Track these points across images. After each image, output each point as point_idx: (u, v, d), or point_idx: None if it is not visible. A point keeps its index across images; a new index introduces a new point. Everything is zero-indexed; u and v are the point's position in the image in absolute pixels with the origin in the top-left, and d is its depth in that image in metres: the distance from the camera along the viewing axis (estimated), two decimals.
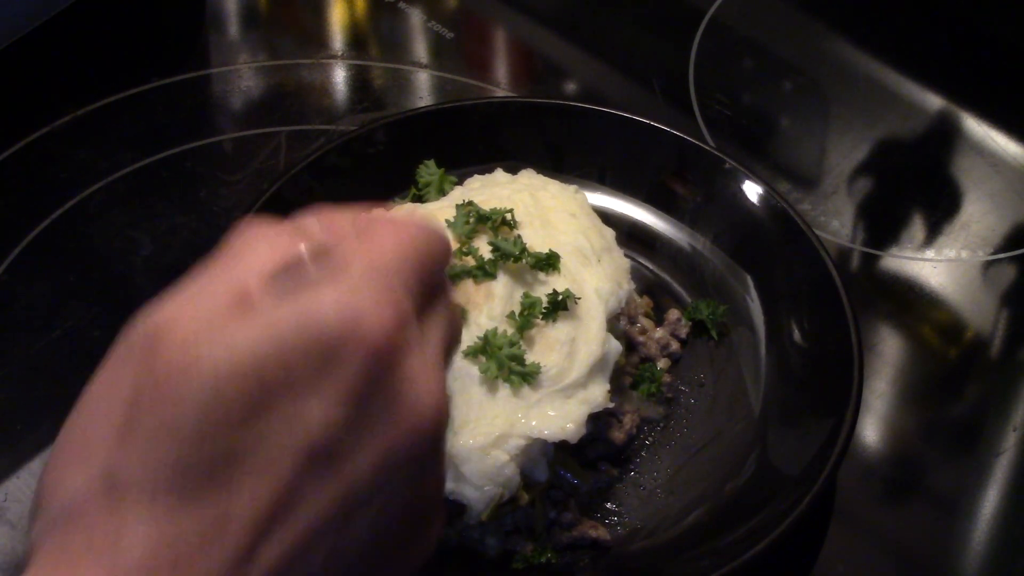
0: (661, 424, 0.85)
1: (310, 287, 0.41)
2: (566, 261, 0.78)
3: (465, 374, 0.73)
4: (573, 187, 0.87)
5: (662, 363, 0.87)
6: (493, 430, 0.71)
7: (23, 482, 0.81)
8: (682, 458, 0.83)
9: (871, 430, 0.88)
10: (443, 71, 1.13)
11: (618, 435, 0.82)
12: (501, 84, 1.12)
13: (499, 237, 0.78)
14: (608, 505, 0.80)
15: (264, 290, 0.41)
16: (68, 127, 1.04)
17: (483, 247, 0.77)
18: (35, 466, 0.82)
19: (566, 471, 0.80)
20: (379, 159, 0.94)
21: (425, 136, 0.95)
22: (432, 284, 0.46)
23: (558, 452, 0.77)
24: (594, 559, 0.77)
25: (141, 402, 0.39)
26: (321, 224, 0.45)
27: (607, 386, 0.76)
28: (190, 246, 0.95)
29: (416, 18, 1.18)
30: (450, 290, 0.49)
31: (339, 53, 1.14)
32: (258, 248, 0.43)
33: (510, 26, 1.20)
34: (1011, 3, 1.24)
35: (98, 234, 0.96)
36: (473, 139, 0.95)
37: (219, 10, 1.19)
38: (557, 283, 0.77)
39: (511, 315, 0.75)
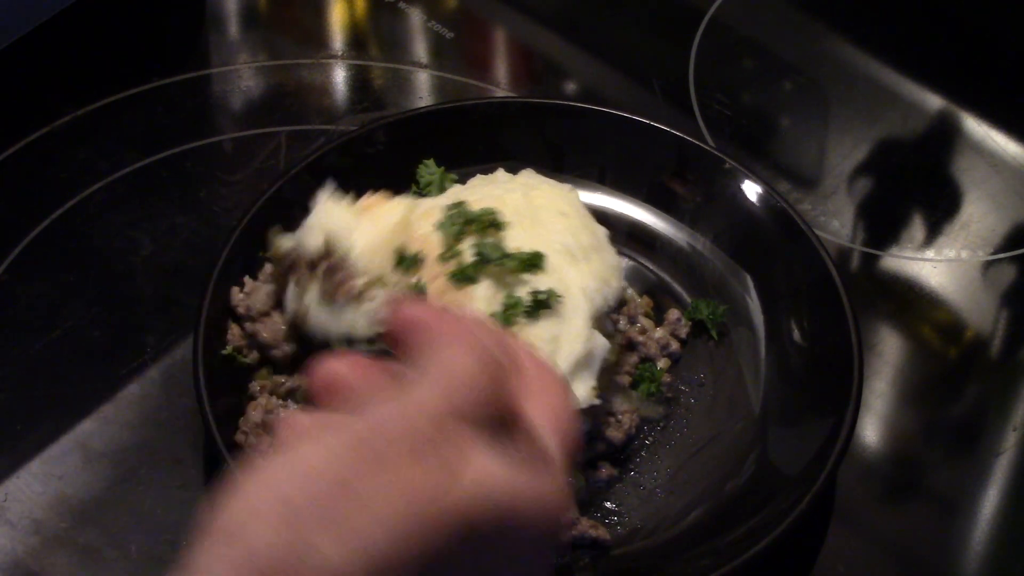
0: (661, 424, 0.85)
1: (523, 461, 0.42)
2: (553, 259, 0.78)
3: None
4: (567, 186, 0.87)
5: (662, 363, 0.87)
6: None
7: (23, 482, 0.81)
8: (682, 458, 0.83)
9: (871, 430, 0.88)
10: (443, 71, 1.13)
11: (617, 435, 0.82)
12: (501, 84, 1.12)
13: (484, 239, 0.78)
14: (608, 505, 0.80)
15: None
16: (68, 127, 1.04)
17: (467, 251, 0.77)
18: (35, 466, 0.82)
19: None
20: (380, 158, 0.94)
21: (425, 136, 0.95)
22: None
23: None
24: (594, 559, 0.77)
25: None
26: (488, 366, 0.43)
27: (592, 383, 0.76)
28: (190, 246, 0.95)
29: (416, 18, 1.18)
30: None
31: (339, 53, 1.14)
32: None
33: (510, 26, 1.19)
34: (1011, 3, 1.24)
35: (98, 234, 0.96)
36: (473, 139, 0.95)
37: (219, 10, 1.19)
38: (541, 282, 0.77)
39: (495, 314, 0.75)
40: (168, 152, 1.03)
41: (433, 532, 0.37)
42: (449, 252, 0.77)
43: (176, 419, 0.85)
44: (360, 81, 1.12)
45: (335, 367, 0.43)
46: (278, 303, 0.83)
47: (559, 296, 0.76)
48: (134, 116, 1.06)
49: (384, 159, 0.94)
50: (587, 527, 0.78)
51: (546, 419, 0.45)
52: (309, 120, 1.07)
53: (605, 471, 0.82)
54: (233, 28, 1.18)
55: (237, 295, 0.85)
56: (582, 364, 0.76)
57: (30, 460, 0.82)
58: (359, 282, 0.76)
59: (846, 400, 0.78)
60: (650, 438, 0.84)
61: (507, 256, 0.77)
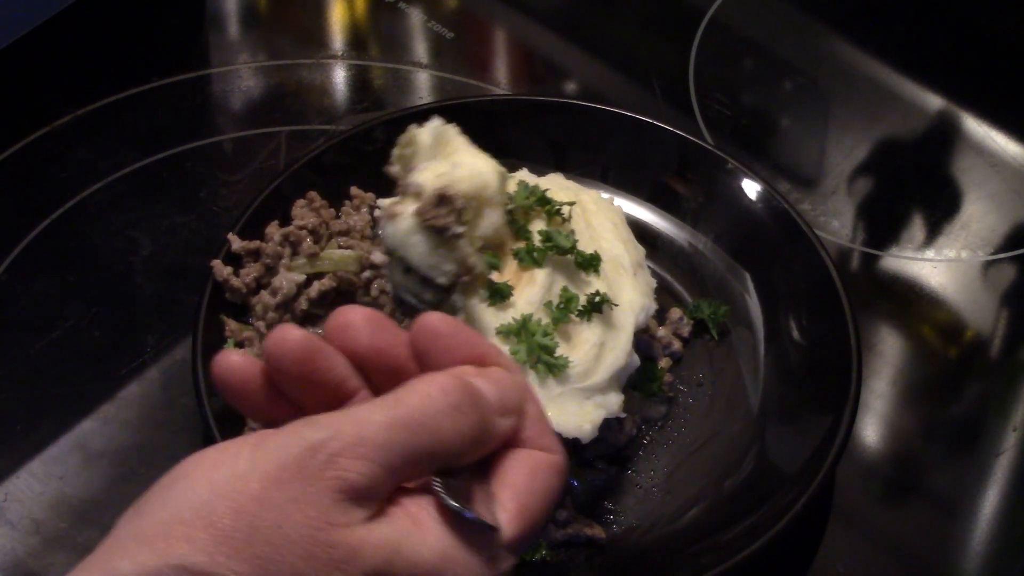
0: (659, 423, 0.85)
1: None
2: (605, 267, 0.78)
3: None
4: (610, 197, 0.87)
5: (663, 362, 0.87)
6: None
7: (23, 482, 0.81)
8: (679, 457, 0.83)
9: (871, 430, 0.88)
10: (443, 71, 1.13)
11: (618, 436, 0.82)
12: (501, 84, 1.12)
13: (551, 225, 0.78)
14: (605, 503, 0.80)
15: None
16: (68, 127, 1.04)
17: (534, 233, 0.77)
18: (35, 466, 0.82)
19: None
20: (381, 157, 0.94)
21: None
22: None
23: None
24: (589, 557, 0.77)
25: None
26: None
27: (622, 396, 0.77)
28: (190, 246, 0.95)
29: (416, 18, 1.18)
30: None
31: (339, 53, 1.14)
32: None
33: (510, 26, 1.20)
34: (1011, 3, 1.24)
35: (98, 234, 0.96)
36: (476, 136, 0.95)
37: (219, 10, 1.19)
38: (596, 285, 0.77)
39: (548, 304, 0.75)
40: (168, 152, 1.03)
41: None
42: (518, 228, 0.77)
43: (176, 419, 0.85)
44: (360, 81, 1.12)
45: (356, 319, 0.47)
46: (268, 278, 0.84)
47: (613, 304, 0.76)
48: (134, 116, 1.06)
49: (385, 157, 0.93)
50: (583, 525, 0.78)
51: (520, 488, 0.46)
52: (309, 120, 1.07)
53: (603, 470, 0.82)
54: (233, 28, 1.18)
55: (224, 270, 0.85)
56: (618, 376, 0.76)
57: (30, 460, 0.83)
58: (460, 227, 0.73)
59: (844, 399, 0.79)
60: (648, 437, 0.84)
61: (575, 250, 0.77)
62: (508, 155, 0.92)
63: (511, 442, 0.47)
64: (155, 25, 1.16)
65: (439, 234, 0.71)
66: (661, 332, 0.89)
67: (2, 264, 0.93)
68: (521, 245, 0.76)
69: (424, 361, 0.47)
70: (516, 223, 0.77)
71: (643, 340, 0.87)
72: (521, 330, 0.73)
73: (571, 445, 0.77)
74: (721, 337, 0.89)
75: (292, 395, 0.47)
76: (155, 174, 1.01)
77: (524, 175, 0.86)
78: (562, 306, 0.75)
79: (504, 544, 0.44)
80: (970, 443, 0.89)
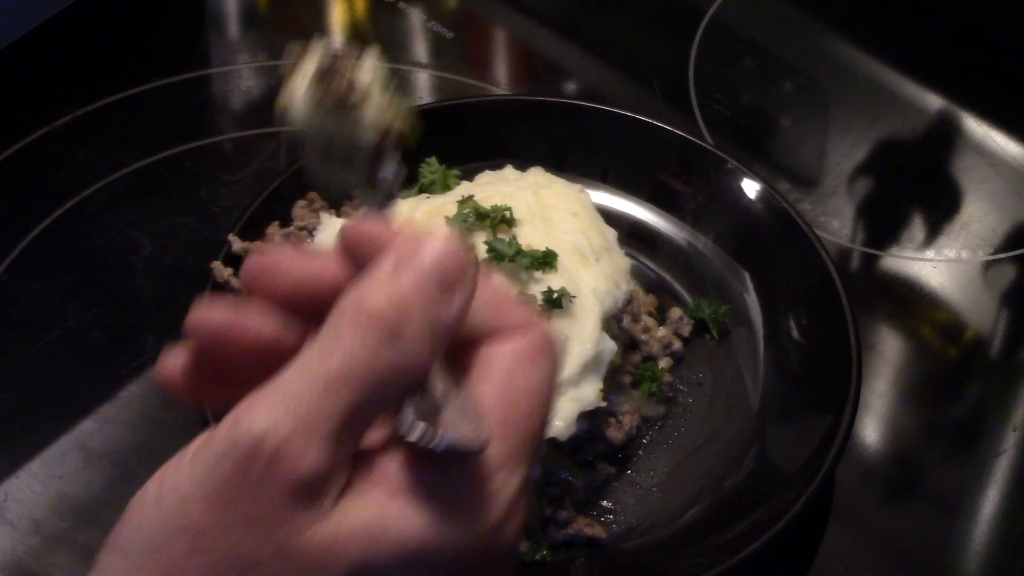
0: (659, 423, 0.85)
1: None
2: (564, 259, 0.78)
3: None
4: (578, 186, 0.87)
5: (663, 362, 0.87)
6: None
7: (23, 482, 0.81)
8: (679, 457, 0.83)
9: (871, 430, 0.88)
10: (443, 71, 1.13)
11: (617, 435, 0.82)
12: (501, 84, 1.12)
13: (496, 236, 0.78)
14: (604, 503, 0.80)
15: None
16: (68, 127, 1.04)
17: (481, 245, 0.77)
18: (35, 466, 0.82)
19: (562, 469, 0.80)
20: None
21: (428, 133, 0.95)
22: None
23: (554, 451, 0.77)
24: (589, 557, 0.77)
25: None
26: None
27: (600, 385, 0.76)
28: (190, 246, 0.95)
29: (416, 18, 1.18)
30: None
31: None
32: None
33: (510, 26, 1.20)
34: (1011, 3, 1.24)
35: (98, 234, 0.96)
36: (475, 137, 0.95)
37: (219, 10, 1.19)
38: (554, 281, 0.77)
39: None
40: (168, 152, 1.03)
41: None
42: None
43: (176, 419, 0.85)
44: None
45: (267, 261, 0.41)
46: None
47: (572, 296, 0.76)
48: (134, 116, 1.06)
49: None
50: (583, 525, 0.78)
51: (500, 390, 0.38)
52: None
53: (602, 470, 0.82)
54: (233, 28, 1.18)
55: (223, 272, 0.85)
56: (591, 366, 0.76)
57: (30, 460, 0.83)
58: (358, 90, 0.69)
59: (844, 398, 0.79)
60: (648, 437, 0.84)
61: (520, 253, 0.77)
62: (508, 155, 0.93)
63: (476, 337, 0.40)
64: (155, 25, 1.16)
65: (342, 105, 0.67)
66: (661, 332, 0.89)
67: (2, 264, 0.93)
68: None
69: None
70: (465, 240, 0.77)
71: (639, 339, 0.87)
72: None
73: (570, 444, 0.77)
74: (721, 337, 0.89)
75: (233, 374, 0.42)
76: (155, 174, 1.01)
77: (508, 171, 0.87)
78: None
79: (499, 463, 0.37)
80: (970, 443, 0.89)
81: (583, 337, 0.76)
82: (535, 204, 0.82)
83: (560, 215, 0.82)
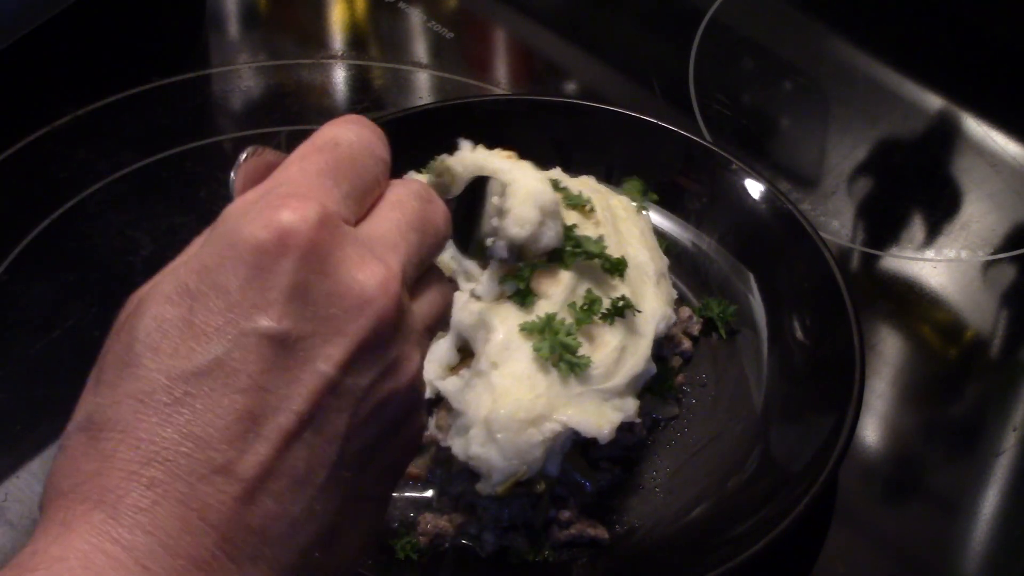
0: (663, 424, 0.85)
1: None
2: (630, 273, 0.79)
3: (518, 348, 0.73)
4: (637, 205, 0.87)
5: (674, 361, 0.87)
6: (535, 408, 0.71)
7: (23, 482, 0.81)
8: (682, 457, 0.83)
9: (872, 430, 0.88)
10: (443, 71, 1.13)
11: (629, 437, 0.82)
12: (501, 84, 1.12)
13: (582, 216, 0.78)
14: (608, 504, 0.80)
15: None
16: (68, 127, 1.04)
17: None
18: (35, 466, 0.82)
19: (575, 470, 0.80)
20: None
21: (431, 134, 0.94)
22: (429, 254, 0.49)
23: (571, 451, 0.77)
24: (592, 557, 0.77)
25: None
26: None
27: (639, 402, 0.77)
28: None
29: (416, 18, 1.18)
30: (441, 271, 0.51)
31: (339, 53, 1.14)
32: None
33: (510, 26, 1.20)
34: (1011, 3, 1.24)
35: (98, 234, 0.96)
36: (480, 136, 0.95)
37: (219, 10, 1.19)
38: (620, 289, 0.77)
39: (572, 305, 0.75)
40: (168, 152, 1.02)
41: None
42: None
43: None
44: (360, 81, 1.12)
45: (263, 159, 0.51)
46: None
47: (637, 310, 0.77)
48: (134, 116, 1.06)
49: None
50: (585, 525, 0.78)
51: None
52: (309, 120, 1.07)
53: (606, 470, 0.82)
54: (233, 28, 1.18)
55: None
56: (634, 383, 0.76)
57: (30, 460, 0.82)
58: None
59: (847, 399, 0.79)
60: (651, 438, 0.84)
61: (603, 255, 0.77)
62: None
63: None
64: (155, 25, 1.16)
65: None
66: (671, 331, 0.89)
67: (2, 264, 0.93)
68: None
69: None
70: None
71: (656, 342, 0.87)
72: (545, 328, 0.73)
73: (582, 446, 0.77)
74: (728, 336, 0.89)
75: None
76: (155, 174, 1.01)
77: (557, 174, 0.86)
78: (586, 308, 0.75)
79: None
80: (970, 443, 0.89)
81: (637, 353, 0.76)
82: (607, 209, 0.82)
83: (628, 228, 0.83)
